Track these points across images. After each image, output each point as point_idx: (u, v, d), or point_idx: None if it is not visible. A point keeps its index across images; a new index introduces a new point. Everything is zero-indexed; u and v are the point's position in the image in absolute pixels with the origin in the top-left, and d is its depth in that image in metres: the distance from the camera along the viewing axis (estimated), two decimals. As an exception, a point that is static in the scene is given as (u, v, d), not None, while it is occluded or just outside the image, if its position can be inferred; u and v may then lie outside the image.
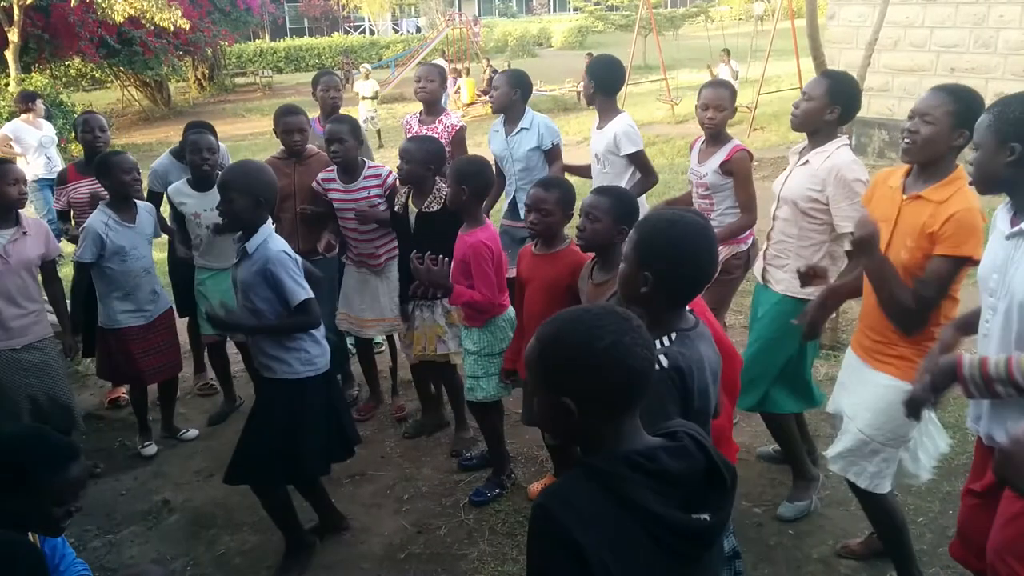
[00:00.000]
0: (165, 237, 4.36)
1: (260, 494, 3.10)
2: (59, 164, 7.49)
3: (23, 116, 7.81)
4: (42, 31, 15.62)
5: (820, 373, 4.39)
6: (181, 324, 4.37)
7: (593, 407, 1.34)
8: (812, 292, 2.97)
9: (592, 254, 2.74)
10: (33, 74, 15.41)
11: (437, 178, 3.69)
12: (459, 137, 4.40)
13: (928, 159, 2.44)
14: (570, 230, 2.98)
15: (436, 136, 4.09)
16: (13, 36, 13.99)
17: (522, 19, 44.70)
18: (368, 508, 3.58)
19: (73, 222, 4.58)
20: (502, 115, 4.35)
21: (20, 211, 3.54)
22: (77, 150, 9.89)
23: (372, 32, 41.42)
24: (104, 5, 14.71)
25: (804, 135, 3.15)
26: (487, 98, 8.93)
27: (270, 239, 2.89)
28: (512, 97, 4.24)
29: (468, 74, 18.97)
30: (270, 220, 2.97)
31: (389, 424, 4.31)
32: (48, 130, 7.86)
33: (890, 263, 2.41)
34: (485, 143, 4.82)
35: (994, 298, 2.09)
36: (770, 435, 3.49)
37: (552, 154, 4.29)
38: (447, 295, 3.27)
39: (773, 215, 3.23)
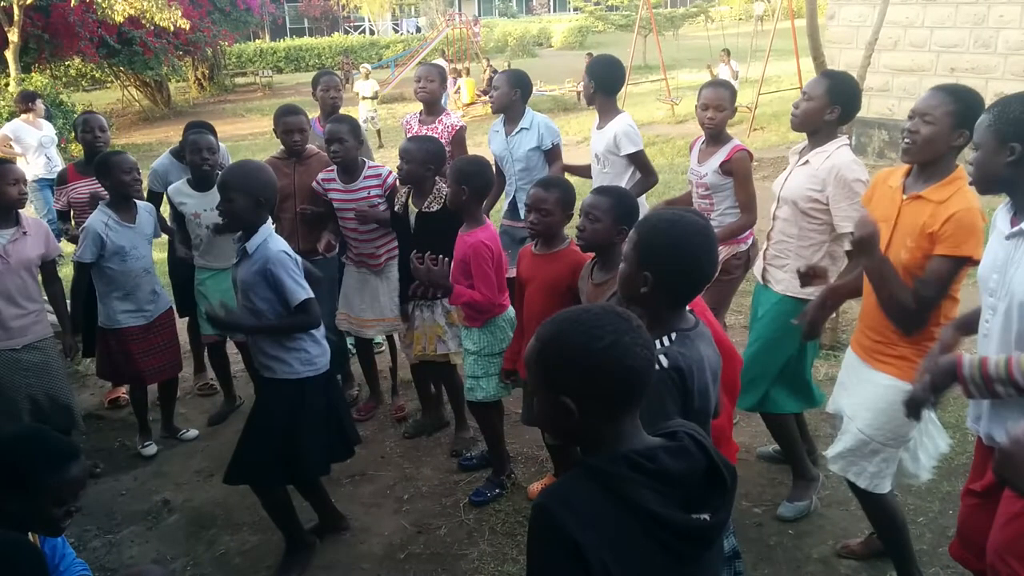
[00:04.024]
0: (165, 237, 4.36)
1: (260, 494, 3.10)
2: (59, 164, 7.49)
3: (23, 116, 7.81)
4: (42, 31, 15.62)
5: (820, 373, 4.39)
6: (181, 324, 4.37)
7: (593, 407, 1.34)
8: (812, 292, 2.97)
9: (592, 254, 2.74)
10: (33, 74, 15.39)
11: (437, 178, 3.69)
12: (459, 137, 4.40)
13: (928, 159, 2.44)
14: (570, 230, 2.98)
15: (436, 136, 4.09)
16: (13, 36, 13.99)
17: (522, 19, 44.67)
18: (368, 508, 3.58)
19: (73, 222, 4.58)
20: (502, 115, 4.35)
21: (20, 211, 3.54)
22: (77, 150, 9.89)
23: (372, 32, 41.42)
24: (104, 5, 14.71)
25: (804, 135, 3.15)
26: (487, 98, 8.92)
27: (270, 239, 2.89)
28: (512, 97, 4.24)
29: (468, 74, 18.96)
30: (270, 220, 2.97)
31: (389, 424, 4.31)
32: (48, 130, 7.86)
33: (890, 263, 2.41)
34: (485, 143, 4.82)
35: (994, 298, 2.09)
36: (770, 435, 3.49)
37: (552, 154, 4.29)
38: (447, 295, 3.27)
39: (773, 215, 3.23)
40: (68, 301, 3.93)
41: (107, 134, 4.63)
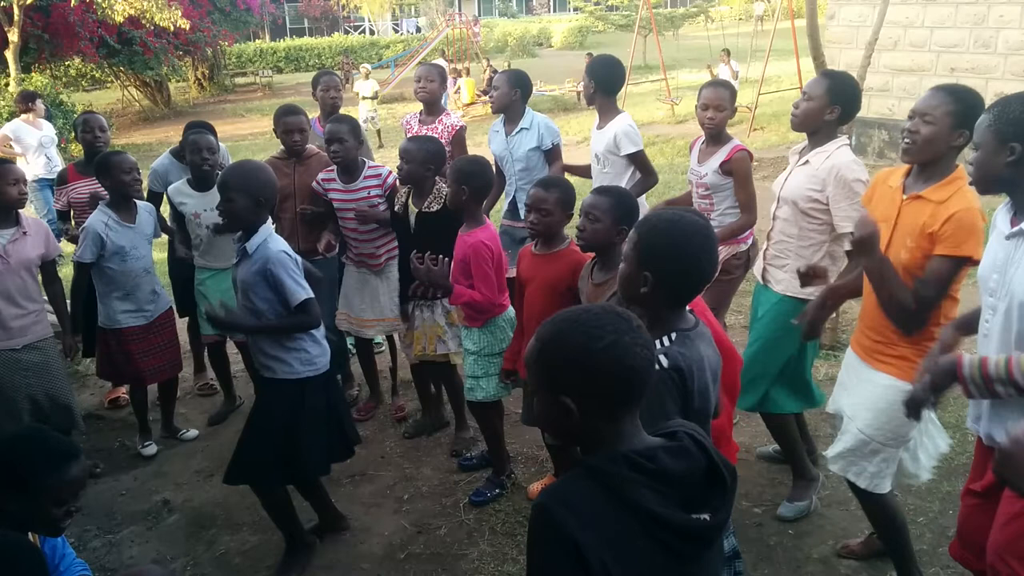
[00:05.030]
0: (165, 237, 4.36)
1: (260, 494, 3.10)
2: (59, 164, 7.49)
3: (23, 116, 7.82)
4: (42, 31, 15.62)
5: (820, 373, 4.39)
6: (181, 324, 4.38)
7: (593, 407, 1.34)
8: (812, 292, 2.97)
9: (592, 254, 2.74)
10: (33, 74, 15.40)
11: (437, 178, 3.69)
12: (459, 137, 4.40)
13: (928, 159, 2.44)
14: (570, 230, 2.98)
15: (436, 136, 4.09)
16: (13, 36, 13.98)
17: (522, 19, 44.65)
18: (368, 508, 3.58)
19: (73, 222, 4.58)
20: (502, 115, 4.35)
21: (20, 211, 3.54)
22: (77, 150, 9.90)
23: (372, 32, 41.40)
24: (104, 5, 14.70)
25: (804, 135, 3.15)
26: (487, 98, 8.92)
27: (270, 239, 2.89)
28: (512, 97, 4.24)
29: (468, 74, 18.97)
30: (270, 220, 2.97)
31: (389, 424, 4.31)
32: (48, 130, 7.86)
33: (890, 263, 2.41)
34: (485, 143, 4.82)
35: (994, 298, 2.09)
36: (770, 435, 3.49)
37: (552, 154, 4.29)
38: (447, 295, 3.27)
39: (773, 215, 3.23)
40: (68, 301, 3.93)
41: (107, 134, 4.63)
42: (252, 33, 31.84)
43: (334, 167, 3.98)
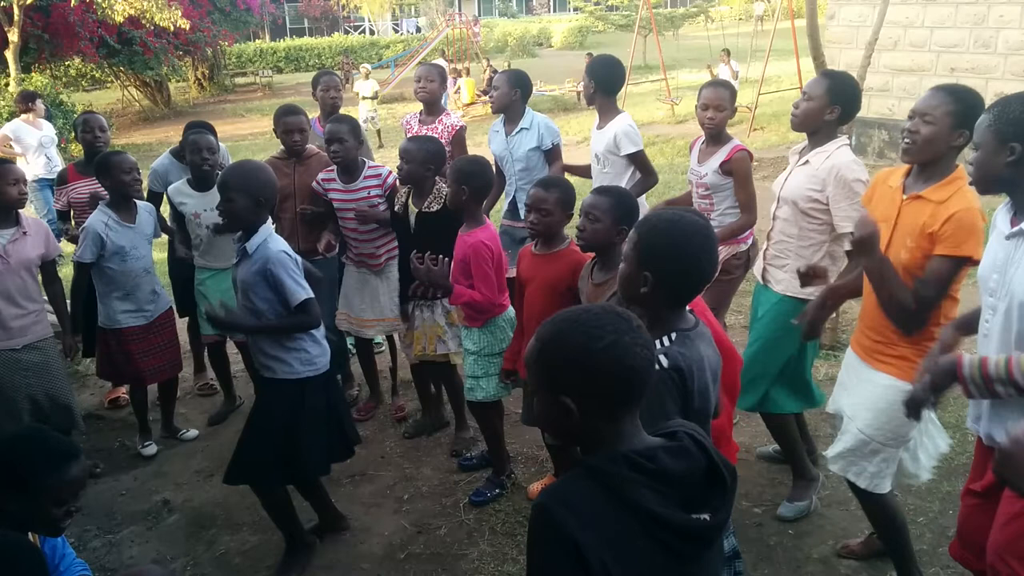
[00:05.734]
0: (165, 237, 4.36)
1: (260, 494, 3.11)
2: (59, 164, 7.49)
3: (23, 116, 7.82)
4: (42, 31, 15.62)
5: (820, 373, 4.39)
6: (181, 324, 4.38)
7: (593, 407, 1.34)
8: (812, 292, 2.97)
9: (592, 254, 2.74)
10: (33, 74, 15.40)
11: (437, 178, 3.69)
12: (459, 137, 4.40)
13: (928, 159, 2.44)
14: (570, 230, 2.98)
15: (436, 136, 4.09)
16: (13, 36, 13.98)
17: (522, 19, 44.65)
18: (368, 508, 3.58)
19: (73, 222, 4.58)
20: (502, 115, 4.35)
21: (20, 211, 3.54)
22: (77, 150, 9.90)
23: (372, 32, 41.40)
24: (104, 5, 14.71)
25: (804, 135, 3.15)
26: (487, 98, 8.92)
27: (270, 239, 2.89)
28: (512, 97, 4.24)
29: (468, 74, 18.97)
30: (270, 220, 2.97)
31: (389, 424, 4.31)
32: (48, 130, 7.86)
33: (890, 263, 2.41)
34: (485, 143, 4.82)
35: (994, 298, 2.09)
36: (770, 435, 3.49)
37: (552, 154, 4.29)
38: (447, 295, 3.27)
39: (773, 215, 3.23)
40: (68, 301, 3.93)
41: (107, 134, 4.63)
42: (252, 33, 31.84)
43: (334, 167, 3.98)
